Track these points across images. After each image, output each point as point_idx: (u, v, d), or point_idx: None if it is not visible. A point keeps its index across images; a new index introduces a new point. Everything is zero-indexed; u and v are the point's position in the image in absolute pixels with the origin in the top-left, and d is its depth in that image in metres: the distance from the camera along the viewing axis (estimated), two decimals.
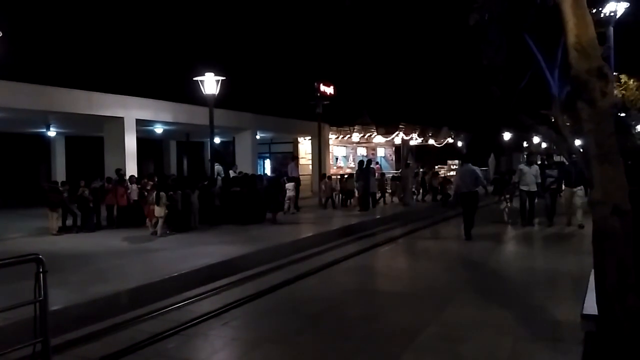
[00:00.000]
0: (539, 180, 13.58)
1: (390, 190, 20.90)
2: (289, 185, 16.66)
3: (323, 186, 18.91)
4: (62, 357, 5.01)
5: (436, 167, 27.48)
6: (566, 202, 13.32)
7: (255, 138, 23.05)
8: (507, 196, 15.59)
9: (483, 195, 14.32)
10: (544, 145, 42.45)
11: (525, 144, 44.44)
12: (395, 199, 20.33)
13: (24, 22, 23.47)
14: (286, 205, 16.41)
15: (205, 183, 14.83)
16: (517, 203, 14.44)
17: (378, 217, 15.79)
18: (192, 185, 13.75)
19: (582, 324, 4.45)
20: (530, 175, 13.52)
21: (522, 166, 14.18)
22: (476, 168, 12.60)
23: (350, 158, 30.44)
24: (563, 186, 14.15)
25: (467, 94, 30.54)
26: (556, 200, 13.98)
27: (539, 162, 20.64)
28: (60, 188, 13.18)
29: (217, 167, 16.77)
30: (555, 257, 9.91)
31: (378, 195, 19.04)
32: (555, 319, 5.95)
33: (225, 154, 25.56)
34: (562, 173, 13.63)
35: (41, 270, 3.75)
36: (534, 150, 40.65)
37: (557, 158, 17.31)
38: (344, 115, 27.32)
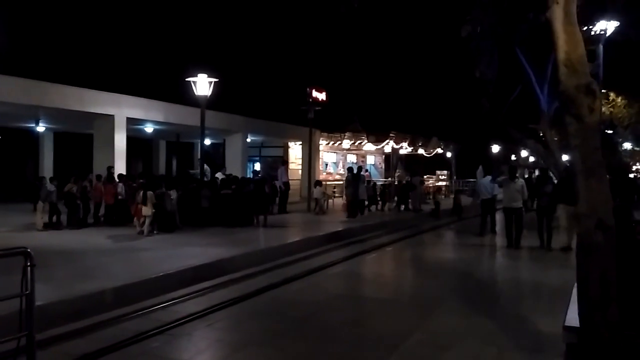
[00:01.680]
0: (525, 197, 12.33)
1: (379, 199, 21.05)
2: (319, 189, 17.74)
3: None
4: (46, 353, 4.97)
5: (425, 176, 27.63)
6: (562, 220, 11.66)
7: (246, 141, 23.03)
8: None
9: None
10: (532, 159, 42.84)
11: (513, 157, 44.82)
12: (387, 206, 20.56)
13: (18, 17, 23.31)
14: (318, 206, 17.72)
15: (194, 185, 14.78)
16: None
17: (366, 224, 15.83)
18: (172, 186, 13.60)
19: (564, 335, 4.52)
20: (513, 190, 12.11)
21: (503, 180, 12.82)
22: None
23: (340, 164, 30.50)
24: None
25: (458, 105, 30.88)
26: (551, 219, 12.06)
27: (526, 176, 20.73)
28: (49, 184, 13.07)
29: (205, 168, 16.77)
30: (541, 270, 10.02)
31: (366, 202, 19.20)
32: (538, 330, 6.03)
33: (216, 156, 25.51)
34: (556, 189, 12.06)
35: (29, 264, 3.74)
36: (521, 163, 41.03)
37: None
38: (335, 122, 27.40)
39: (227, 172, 18.14)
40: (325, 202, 18.62)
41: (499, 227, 14.80)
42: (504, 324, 6.25)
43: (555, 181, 13.56)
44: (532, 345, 5.57)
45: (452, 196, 21.78)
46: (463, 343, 5.63)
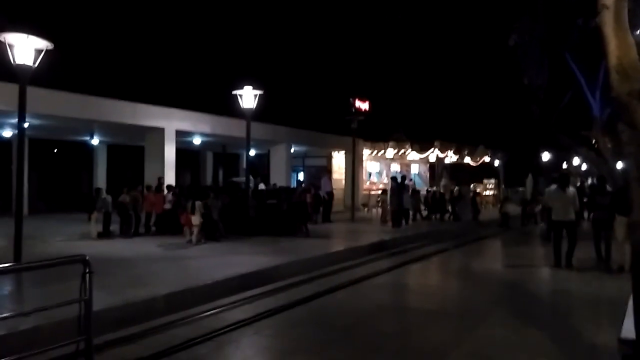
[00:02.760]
0: (577, 208, 10.98)
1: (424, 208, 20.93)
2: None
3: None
4: (102, 357, 5.18)
5: (472, 185, 27.17)
6: (619, 235, 10.28)
7: (290, 151, 23.30)
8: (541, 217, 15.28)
9: None
10: (584, 167, 41.34)
11: (565, 165, 43.37)
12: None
13: (74, 35, 24.49)
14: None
15: (239, 194, 15.02)
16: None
17: (410, 234, 15.69)
18: (217, 195, 13.82)
19: (619, 347, 4.36)
20: (564, 201, 10.72)
21: (553, 189, 11.22)
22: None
23: (384, 174, 30.37)
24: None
25: (506, 113, 30.21)
26: (610, 233, 10.73)
27: (578, 184, 19.95)
28: (105, 194, 13.67)
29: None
30: (594, 280, 9.64)
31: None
32: (591, 343, 5.82)
33: (260, 166, 25.91)
34: (613, 200, 10.63)
35: (87, 271, 3.94)
36: (573, 171, 39.63)
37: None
38: (378, 131, 27.36)
39: (273, 183, 18.40)
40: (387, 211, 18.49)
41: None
42: (555, 336, 6.07)
43: (610, 190, 12.63)
44: (585, 357, 5.39)
45: (499, 205, 21.52)
46: (512, 355, 5.51)
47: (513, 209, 21.33)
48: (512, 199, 23.92)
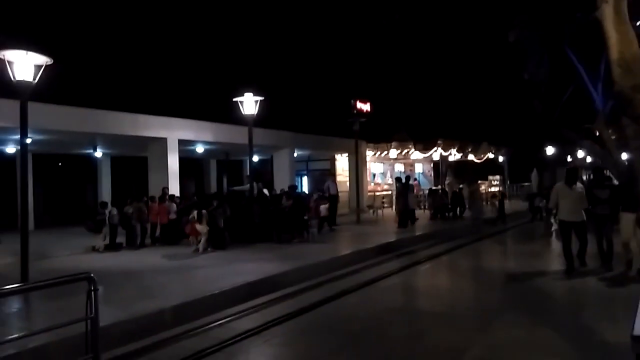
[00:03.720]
0: (587, 205, 9.84)
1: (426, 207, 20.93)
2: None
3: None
4: None
5: (478, 182, 27.07)
6: (624, 232, 9.47)
7: (293, 156, 23.27)
8: (555, 212, 14.94)
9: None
10: (588, 159, 41.15)
11: (569, 159, 43.15)
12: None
13: (72, 48, 24.57)
14: None
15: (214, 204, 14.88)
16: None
17: (417, 234, 15.63)
18: (221, 203, 13.77)
19: (633, 345, 4.29)
20: (572, 199, 9.72)
21: (560, 185, 10.09)
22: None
23: (388, 174, 30.32)
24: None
25: (508, 109, 30.13)
26: (611, 232, 9.98)
27: (584, 178, 19.80)
28: (112, 208, 13.70)
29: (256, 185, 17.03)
30: (606, 277, 9.52)
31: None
32: (604, 340, 5.76)
33: (264, 172, 25.88)
34: (618, 193, 9.74)
35: (92, 288, 3.92)
36: (577, 164, 39.41)
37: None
38: (381, 132, 27.31)
39: (281, 188, 18.33)
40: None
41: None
42: (567, 335, 6.00)
43: (615, 183, 12.27)
44: (599, 356, 5.33)
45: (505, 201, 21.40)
46: (524, 356, 5.45)
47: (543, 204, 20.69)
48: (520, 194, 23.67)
